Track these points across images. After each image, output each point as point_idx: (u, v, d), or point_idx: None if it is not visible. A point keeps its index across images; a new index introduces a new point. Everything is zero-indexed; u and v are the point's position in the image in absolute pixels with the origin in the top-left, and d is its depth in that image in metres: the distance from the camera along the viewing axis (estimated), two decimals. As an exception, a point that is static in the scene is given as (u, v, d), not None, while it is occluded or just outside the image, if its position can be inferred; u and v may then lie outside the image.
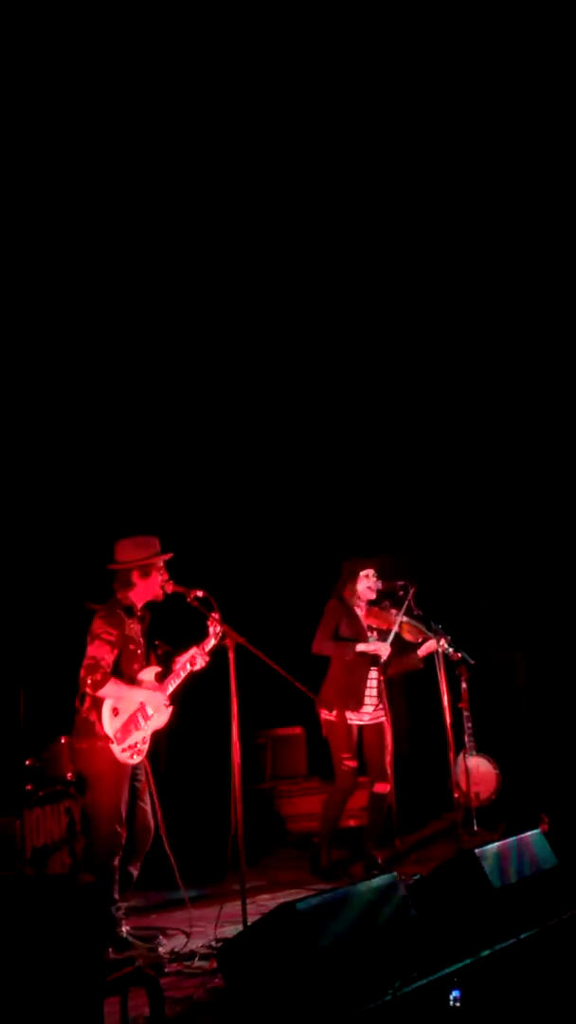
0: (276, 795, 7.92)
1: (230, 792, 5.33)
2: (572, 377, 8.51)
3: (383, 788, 6.71)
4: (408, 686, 7.31)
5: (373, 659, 6.71)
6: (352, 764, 6.60)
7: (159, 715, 5.56)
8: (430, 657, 6.73)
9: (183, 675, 5.61)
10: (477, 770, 7.63)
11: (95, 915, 3.96)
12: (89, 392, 8.01)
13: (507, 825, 7.39)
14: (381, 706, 6.77)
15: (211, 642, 5.55)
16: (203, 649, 5.58)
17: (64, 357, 7.83)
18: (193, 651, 5.59)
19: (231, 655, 5.43)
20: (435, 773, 7.63)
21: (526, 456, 8.76)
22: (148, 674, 5.60)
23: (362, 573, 6.79)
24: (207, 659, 5.61)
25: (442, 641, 6.67)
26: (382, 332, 8.90)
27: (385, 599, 6.80)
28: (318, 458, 9.18)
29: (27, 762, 6.60)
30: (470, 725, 7.68)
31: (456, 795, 7.43)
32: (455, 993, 3.65)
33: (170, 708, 5.62)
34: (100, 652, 5.37)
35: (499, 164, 7.70)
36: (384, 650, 6.64)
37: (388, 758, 6.71)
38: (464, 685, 7.67)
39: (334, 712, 6.59)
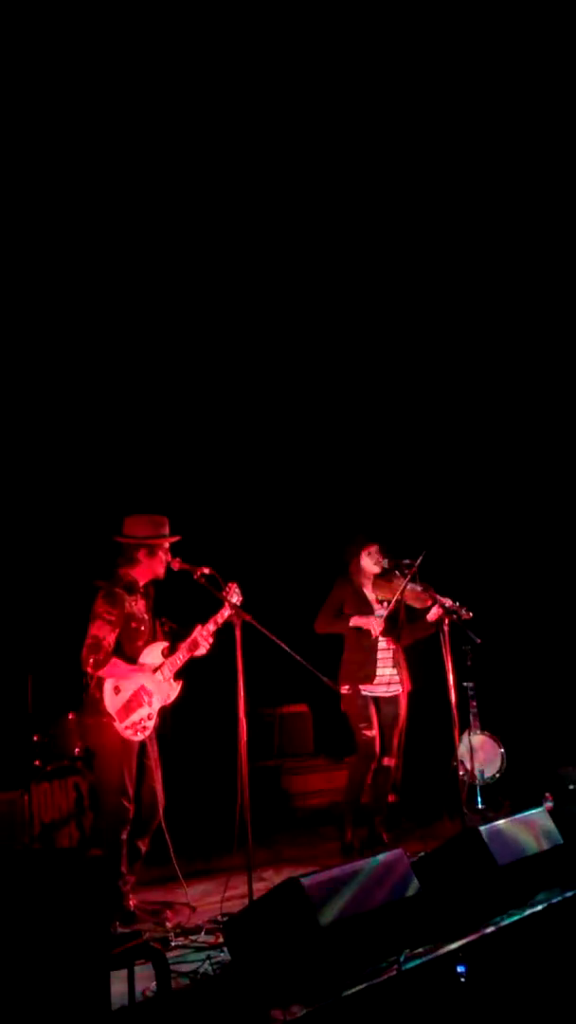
0: (283, 772, 7.96)
1: (237, 768, 5.35)
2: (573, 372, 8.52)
3: (390, 762, 6.75)
4: (412, 663, 7.31)
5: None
6: (370, 733, 6.64)
7: (164, 691, 5.58)
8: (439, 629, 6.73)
9: (185, 656, 5.62)
10: (482, 748, 7.66)
11: (102, 888, 3.98)
12: (99, 371, 8.01)
13: (512, 803, 7.43)
14: (398, 678, 6.80)
15: (225, 613, 5.55)
16: (208, 628, 5.58)
17: (73, 337, 7.83)
18: (196, 633, 5.60)
19: (238, 632, 5.44)
20: (440, 750, 7.65)
21: (532, 436, 8.74)
22: (155, 650, 5.61)
23: (365, 550, 6.81)
24: (209, 643, 5.63)
25: (449, 602, 6.65)
26: (390, 313, 8.88)
27: (395, 570, 6.80)
28: (324, 435, 9.18)
29: (35, 737, 6.64)
30: (475, 703, 7.69)
31: (461, 773, 7.46)
32: (460, 968, 3.68)
33: (179, 684, 5.64)
34: (101, 631, 5.38)
35: (499, 163, 7.67)
36: (375, 626, 6.65)
37: (399, 733, 6.74)
38: (469, 663, 7.69)
39: (347, 686, 6.63)
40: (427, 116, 7.34)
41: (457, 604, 6.66)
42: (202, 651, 5.62)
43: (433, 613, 6.69)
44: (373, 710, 6.71)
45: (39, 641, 6.97)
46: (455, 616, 6.63)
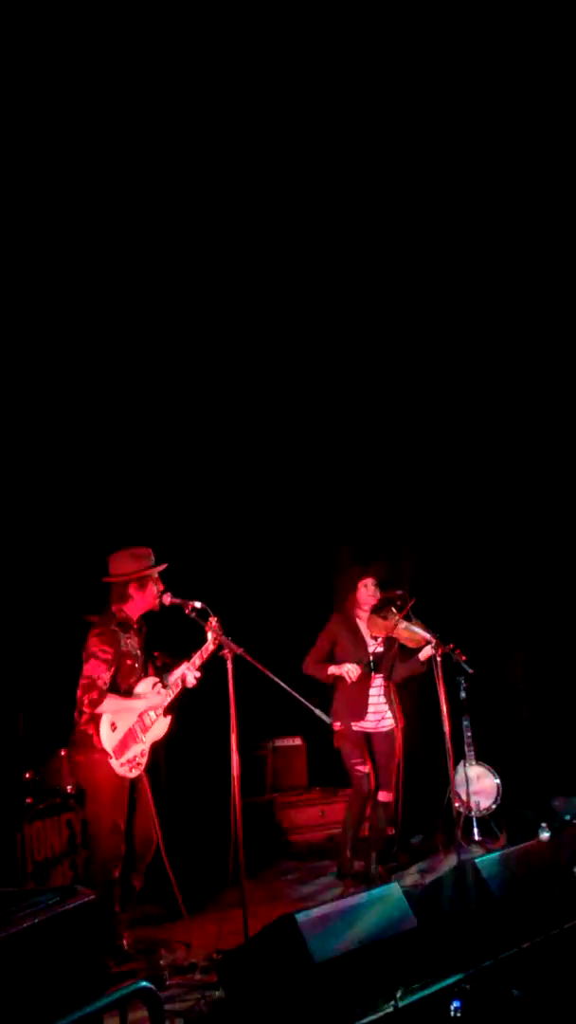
0: (276, 806, 7.91)
1: (230, 803, 5.33)
2: (569, 377, 8.52)
3: (387, 797, 6.72)
4: (407, 695, 7.29)
5: (369, 668, 6.71)
6: (363, 769, 6.63)
7: (157, 727, 5.56)
8: (433, 660, 6.72)
9: (175, 691, 5.62)
10: (477, 779, 7.63)
11: (95, 928, 3.94)
12: (83, 406, 8.01)
13: (508, 834, 7.39)
14: (390, 714, 6.80)
15: (208, 648, 5.57)
16: (195, 663, 5.60)
17: (58, 371, 7.83)
18: (184, 667, 5.62)
19: (230, 666, 5.44)
20: (435, 782, 7.61)
21: (521, 459, 8.75)
22: (145, 685, 5.60)
23: (361, 583, 6.82)
24: (198, 675, 5.65)
25: (440, 648, 6.64)
26: (376, 341, 8.91)
27: (388, 606, 6.80)
28: (314, 468, 9.19)
29: (27, 775, 6.59)
30: (470, 734, 7.67)
31: (456, 804, 7.43)
32: (455, 1004, 3.65)
33: (168, 719, 5.62)
34: (96, 671, 5.37)
35: (498, 162, 7.71)
36: (351, 674, 6.63)
37: (394, 767, 6.72)
38: (463, 694, 7.67)
39: (339, 723, 6.61)
40: (426, 115, 7.36)
41: (451, 646, 6.66)
42: (191, 683, 5.62)
43: (425, 653, 6.69)
44: (365, 746, 6.69)
45: (30, 677, 6.93)
46: (451, 655, 6.65)
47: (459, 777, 7.50)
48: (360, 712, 6.68)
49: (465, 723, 7.70)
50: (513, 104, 7.29)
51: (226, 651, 5.45)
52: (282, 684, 5.50)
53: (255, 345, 8.71)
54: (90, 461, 8.02)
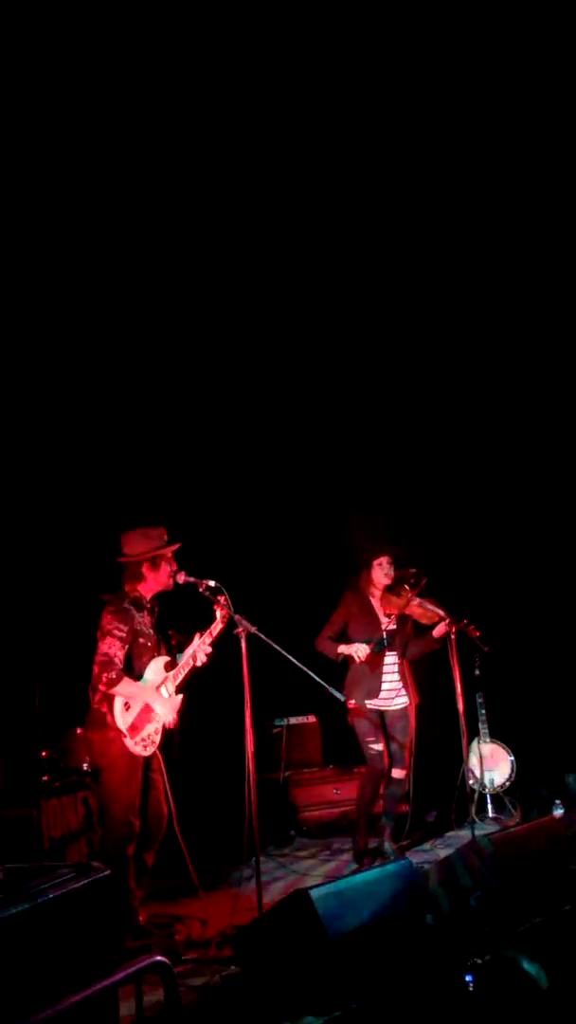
0: (291, 784, 7.95)
1: (245, 781, 5.35)
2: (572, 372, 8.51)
3: (400, 774, 6.75)
4: (421, 673, 7.31)
5: (382, 645, 6.72)
6: (377, 747, 6.65)
7: (169, 705, 5.59)
8: (447, 637, 6.73)
9: (186, 671, 5.64)
10: (491, 756, 7.65)
11: (111, 903, 3.97)
12: (95, 384, 8.02)
13: (522, 811, 7.41)
14: (404, 691, 6.81)
15: (217, 627, 5.57)
16: (205, 641, 5.61)
17: (69, 351, 7.84)
18: (195, 644, 5.63)
19: (244, 644, 5.44)
20: (449, 759, 7.64)
21: (540, 443, 8.72)
22: (158, 664, 5.62)
23: (376, 562, 6.82)
24: (208, 653, 5.65)
25: (453, 623, 6.66)
26: (389, 322, 8.88)
27: (401, 584, 6.81)
28: (329, 444, 9.16)
29: (43, 753, 6.64)
30: (484, 711, 7.69)
31: (470, 781, 7.45)
32: (468, 978, 3.67)
33: (180, 697, 5.65)
34: (112, 649, 5.39)
35: (499, 160, 7.67)
36: (360, 653, 6.64)
37: (408, 744, 6.75)
38: (477, 672, 7.68)
39: (352, 701, 6.63)
40: (426, 115, 7.32)
41: (465, 622, 6.67)
42: (201, 661, 5.64)
43: (439, 629, 6.70)
44: (379, 724, 6.72)
45: (45, 655, 6.97)
46: (464, 632, 6.66)
47: (473, 754, 7.53)
48: (374, 690, 6.71)
49: (479, 700, 7.71)
50: (513, 103, 7.23)
51: (240, 630, 5.46)
52: (296, 663, 5.52)
53: (269, 323, 8.69)
54: (104, 439, 8.03)
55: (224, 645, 5.70)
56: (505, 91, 7.13)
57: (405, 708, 6.81)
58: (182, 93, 6.88)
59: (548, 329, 8.55)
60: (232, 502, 8.77)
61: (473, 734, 7.57)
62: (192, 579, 5.58)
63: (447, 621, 6.64)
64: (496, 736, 7.74)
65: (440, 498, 8.90)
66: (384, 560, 6.82)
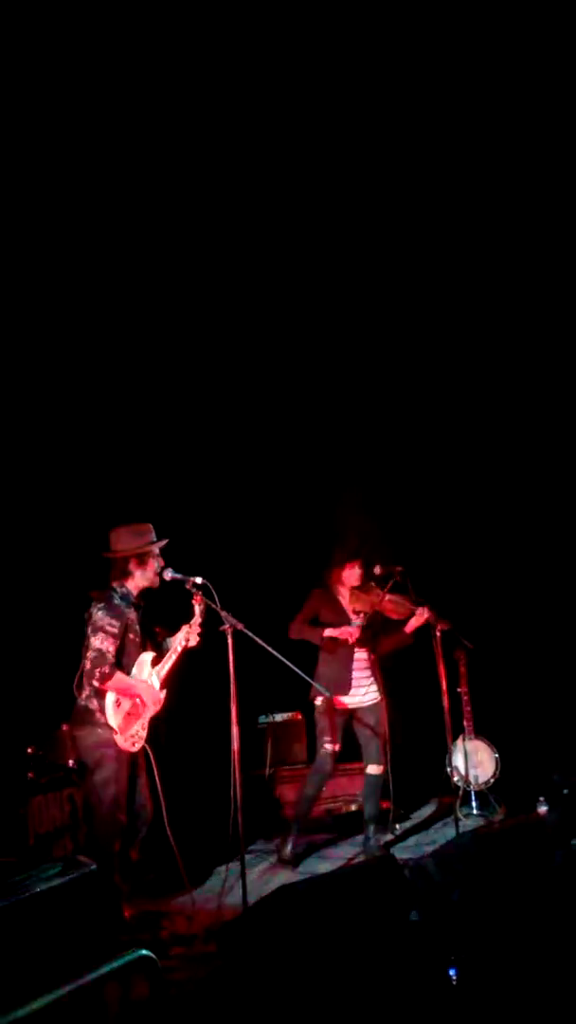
0: (276, 780, 7.97)
1: (231, 777, 5.38)
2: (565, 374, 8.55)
3: (377, 770, 6.76)
4: (405, 669, 7.34)
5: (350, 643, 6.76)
6: (330, 747, 6.64)
7: (155, 701, 5.62)
8: (424, 633, 6.76)
9: (175, 655, 5.67)
10: (476, 753, 7.68)
11: (97, 898, 3.99)
12: (84, 380, 8.02)
13: (507, 808, 7.45)
14: (374, 686, 6.83)
15: (198, 619, 5.64)
16: (193, 629, 5.66)
17: (60, 348, 7.83)
18: (182, 633, 5.67)
19: (230, 641, 5.48)
20: (433, 756, 7.68)
21: (523, 438, 8.74)
22: (144, 659, 5.64)
23: (348, 566, 6.82)
24: (199, 636, 5.68)
25: (426, 613, 6.67)
26: (383, 320, 8.91)
27: (371, 582, 6.84)
28: (309, 441, 9.17)
29: (28, 750, 6.64)
30: (469, 709, 7.72)
31: (455, 778, 7.49)
32: (451, 971, 3.70)
33: (163, 692, 5.67)
34: (104, 644, 5.40)
35: (498, 162, 7.70)
36: (352, 634, 6.68)
37: (382, 739, 6.77)
38: (462, 669, 7.71)
39: (320, 698, 6.64)
40: (426, 114, 7.34)
41: (435, 615, 6.70)
42: (194, 641, 5.68)
43: (411, 625, 6.73)
44: (341, 726, 6.71)
45: (30, 652, 6.97)
46: (433, 627, 6.68)
47: (458, 751, 7.56)
48: (344, 686, 6.71)
49: (464, 698, 7.75)
50: (511, 103, 7.26)
51: (227, 626, 5.49)
52: (283, 659, 5.55)
53: (263, 323, 8.71)
54: (91, 435, 8.02)
55: (210, 641, 5.72)
56: (502, 89, 7.15)
57: (377, 703, 6.82)
58: (181, 91, 6.87)
59: (543, 330, 8.58)
60: (219, 498, 8.78)
61: (457, 731, 7.59)
62: (179, 576, 5.61)
63: (418, 615, 6.65)
64: (481, 733, 7.76)
65: (427, 496, 8.92)
66: (356, 565, 6.83)
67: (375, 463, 9.06)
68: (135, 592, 5.68)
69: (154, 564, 5.65)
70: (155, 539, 5.70)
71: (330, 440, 9.18)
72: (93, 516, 6.70)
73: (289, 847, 6.72)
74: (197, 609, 5.63)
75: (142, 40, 6.52)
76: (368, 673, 6.82)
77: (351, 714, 6.76)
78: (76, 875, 3.88)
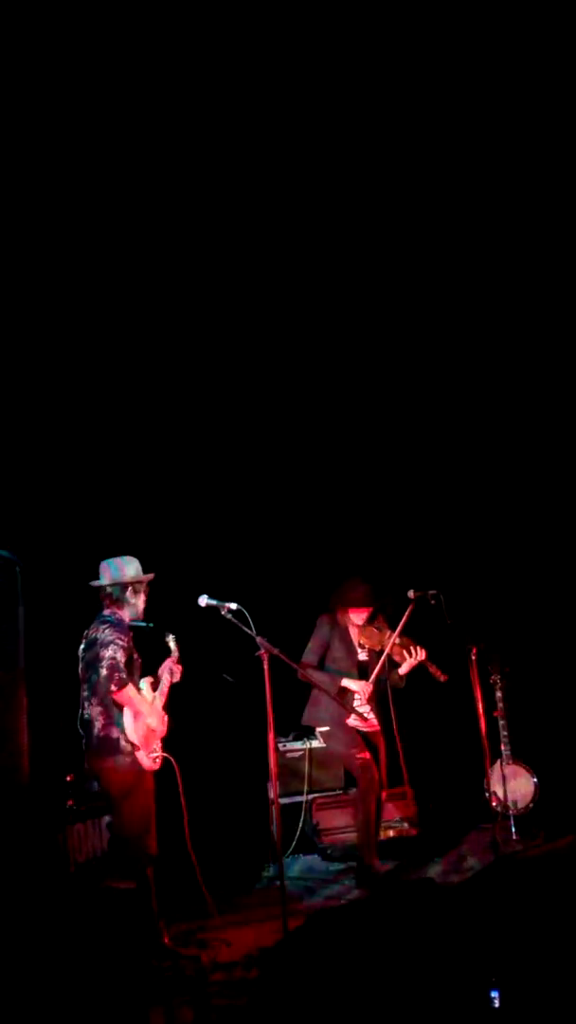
0: (315, 807, 7.94)
1: (268, 803, 5.40)
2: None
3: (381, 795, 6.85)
4: (441, 695, 7.32)
5: (381, 680, 6.87)
6: (366, 755, 6.69)
7: (162, 722, 5.74)
8: (460, 658, 6.79)
9: (168, 684, 5.85)
10: (514, 778, 7.63)
11: (139, 926, 4.02)
12: (80, 400, 8.09)
13: (546, 833, 7.39)
14: (372, 716, 6.92)
15: (175, 656, 5.90)
16: (172, 661, 5.88)
17: (55, 369, 7.88)
18: (167, 664, 5.88)
19: (266, 666, 5.53)
20: (472, 782, 7.64)
21: (544, 456, 8.67)
22: (145, 683, 5.76)
23: (354, 611, 6.91)
24: (180, 670, 5.89)
25: (422, 655, 6.80)
26: (380, 347, 8.92)
27: (380, 614, 6.93)
28: (325, 462, 9.19)
29: (68, 777, 6.68)
30: (506, 733, 7.67)
31: (493, 803, 7.44)
32: (493, 993, 3.68)
33: (166, 717, 5.80)
34: (117, 654, 5.50)
35: (494, 172, 7.72)
36: (366, 690, 6.80)
37: (381, 767, 6.83)
38: (499, 693, 7.68)
39: (327, 727, 6.71)
40: (423, 116, 7.37)
41: (430, 663, 6.81)
42: (176, 677, 5.89)
43: (404, 668, 6.82)
44: (359, 736, 6.78)
45: (65, 678, 7.02)
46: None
47: (495, 776, 7.52)
48: (343, 714, 6.80)
49: (501, 722, 7.71)
50: (508, 103, 7.29)
51: (262, 652, 5.55)
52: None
53: (268, 343, 8.75)
54: (86, 460, 8.04)
55: (248, 668, 5.78)
56: (498, 90, 7.17)
57: (376, 732, 6.90)
58: (177, 92, 6.90)
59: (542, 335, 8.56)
60: (235, 524, 8.80)
61: (495, 756, 7.55)
62: (214, 602, 5.67)
63: (414, 658, 6.76)
64: (519, 757, 7.72)
65: (465, 518, 8.88)
66: (365, 613, 6.91)
67: (409, 481, 9.05)
68: (127, 620, 5.78)
69: (144, 595, 5.82)
70: (144, 572, 5.85)
71: (359, 456, 9.15)
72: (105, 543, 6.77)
73: (372, 868, 6.66)
74: (173, 645, 5.88)
75: (140, 39, 6.57)
76: (368, 708, 6.92)
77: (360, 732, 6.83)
78: (116, 901, 3.91)
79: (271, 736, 5.49)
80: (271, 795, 5.55)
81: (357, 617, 6.93)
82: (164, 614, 6.42)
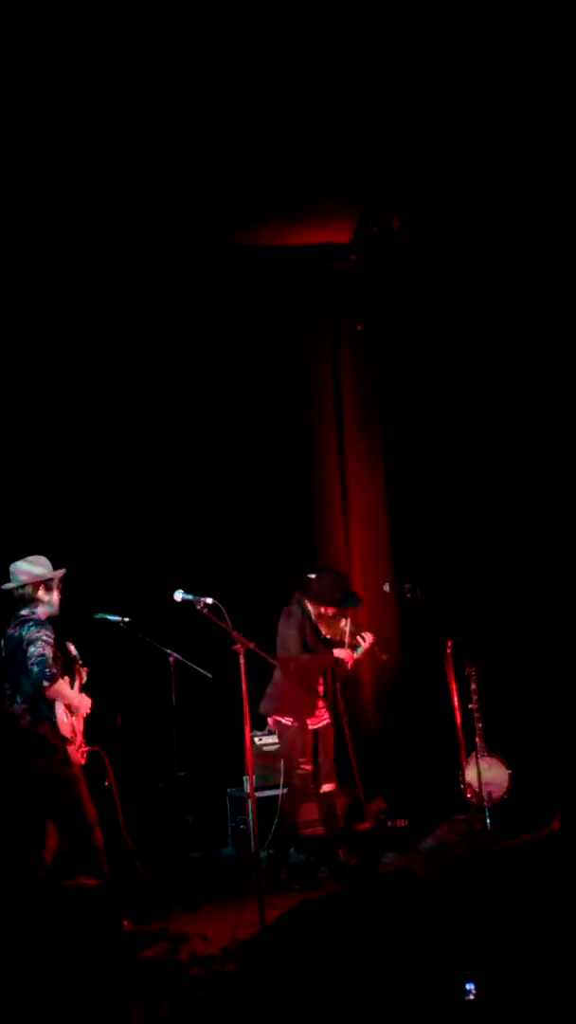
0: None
1: (245, 797, 5.41)
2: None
3: (330, 787, 6.88)
4: (416, 688, 7.37)
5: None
6: (308, 768, 6.75)
7: (85, 707, 5.80)
8: (436, 651, 6.86)
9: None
10: (489, 770, 7.67)
11: (116, 919, 4.02)
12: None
13: (521, 824, 7.44)
14: (328, 709, 6.97)
15: (79, 661, 5.93)
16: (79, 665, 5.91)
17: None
18: (76, 669, 5.90)
19: (242, 661, 5.54)
20: (446, 774, 7.68)
21: (532, 455, 8.67)
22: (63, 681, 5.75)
23: (325, 608, 6.90)
24: (87, 671, 5.94)
25: (370, 638, 6.98)
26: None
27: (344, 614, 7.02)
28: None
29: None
30: (480, 725, 7.71)
31: (468, 796, 7.49)
32: (469, 985, 3.71)
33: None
34: (46, 650, 5.50)
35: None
36: (352, 657, 6.88)
37: (330, 759, 6.89)
38: (474, 686, 7.71)
39: (290, 719, 6.70)
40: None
41: (375, 645, 7.03)
42: (84, 678, 5.94)
43: (359, 653, 6.96)
44: (311, 744, 6.81)
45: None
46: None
47: (470, 769, 7.56)
48: (311, 710, 6.81)
49: (476, 714, 7.74)
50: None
51: (238, 646, 5.55)
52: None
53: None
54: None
55: (223, 661, 5.79)
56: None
57: (329, 725, 6.96)
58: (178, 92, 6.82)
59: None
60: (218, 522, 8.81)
61: (470, 748, 7.59)
62: (190, 597, 5.66)
63: (364, 647, 6.93)
64: (494, 750, 7.75)
65: (439, 510, 8.87)
66: (335, 610, 6.93)
67: (390, 472, 9.06)
68: (45, 618, 5.75)
69: (58, 591, 5.80)
70: (54, 569, 5.83)
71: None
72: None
73: (282, 873, 6.74)
74: (75, 652, 5.89)
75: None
76: (323, 695, 6.97)
77: (315, 733, 6.85)
78: (88, 896, 3.91)
79: (247, 730, 5.50)
80: (247, 789, 5.53)
81: (327, 610, 6.91)
82: (140, 610, 6.44)
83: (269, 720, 6.91)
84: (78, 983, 3.45)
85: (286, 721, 6.70)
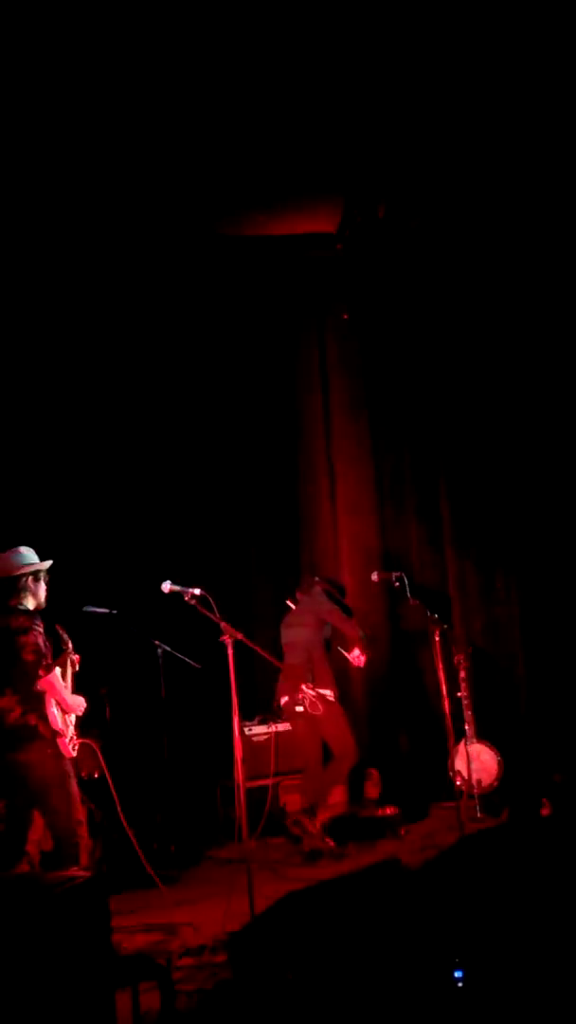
0: (280, 790, 7.97)
1: (234, 787, 5.41)
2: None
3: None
4: (406, 674, 7.38)
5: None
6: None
7: (78, 705, 5.74)
8: (423, 638, 6.96)
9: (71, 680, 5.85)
10: (478, 757, 7.69)
11: (101, 909, 4.00)
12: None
13: (510, 811, 7.46)
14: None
15: (70, 645, 5.89)
16: (71, 651, 5.88)
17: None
18: (67, 657, 5.86)
19: (230, 651, 5.53)
20: (436, 761, 7.70)
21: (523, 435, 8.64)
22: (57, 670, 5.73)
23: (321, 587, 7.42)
24: (79, 659, 5.91)
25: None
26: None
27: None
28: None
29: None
30: (470, 712, 7.73)
31: (458, 783, 7.50)
32: (458, 973, 3.72)
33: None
34: (39, 640, 5.47)
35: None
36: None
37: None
38: (463, 674, 7.72)
39: (330, 691, 6.90)
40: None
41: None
42: (76, 667, 5.90)
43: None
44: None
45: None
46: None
47: (459, 755, 7.57)
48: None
49: (465, 702, 7.76)
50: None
51: (226, 636, 5.54)
52: (279, 664, 5.60)
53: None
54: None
55: (211, 651, 5.79)
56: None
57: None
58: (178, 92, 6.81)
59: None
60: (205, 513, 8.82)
61: (459, 735, 7.61)
62: (178, 587, 5.65)
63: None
64: (483, 737, 7.77)
65: (429, 494, 8.86)
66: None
67: (378, 458, 9.06)
68: (32, 609, 5.70)
69: (44, 583, 5.73)
70: (40, 560, 5.77)
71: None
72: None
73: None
74: (65, 636, 5.87)
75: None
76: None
77: None
78: (78, 887, 3.89)
79: (236, 720, 5.50)
80: (237, 779, 5.53)
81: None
82: (129, 601, 6.43)
83: (303, 699, 7.08)
84: (64, 974, 3.45)
85: (330, 695, 6.91)
